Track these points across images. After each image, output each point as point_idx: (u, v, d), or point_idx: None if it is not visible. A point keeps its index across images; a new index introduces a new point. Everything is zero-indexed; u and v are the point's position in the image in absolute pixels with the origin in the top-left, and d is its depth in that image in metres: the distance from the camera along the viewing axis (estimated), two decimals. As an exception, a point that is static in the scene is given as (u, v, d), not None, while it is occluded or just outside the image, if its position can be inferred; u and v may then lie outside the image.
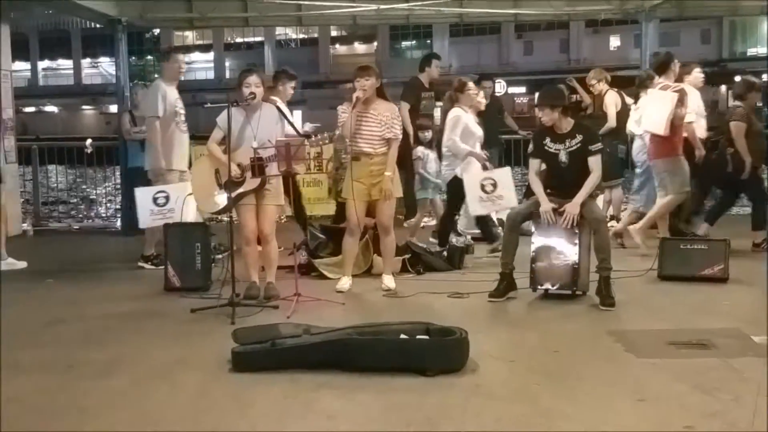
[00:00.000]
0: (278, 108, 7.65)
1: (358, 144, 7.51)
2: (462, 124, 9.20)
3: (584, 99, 11.11)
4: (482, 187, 8.96)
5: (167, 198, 8.55)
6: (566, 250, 7.21)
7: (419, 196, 10.13)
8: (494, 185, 8.95)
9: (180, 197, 8.42)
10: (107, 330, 6.53)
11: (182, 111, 9.15)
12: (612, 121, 10.55)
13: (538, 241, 7.32)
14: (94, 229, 11.38)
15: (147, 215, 8.60)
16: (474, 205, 9.11)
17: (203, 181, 7.52)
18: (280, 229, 7.59)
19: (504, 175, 9.23)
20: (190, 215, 8.54)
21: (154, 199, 8.57)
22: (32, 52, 66.13)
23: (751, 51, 55.13)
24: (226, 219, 8.53)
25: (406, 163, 9.49)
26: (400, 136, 7.71)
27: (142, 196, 8.66)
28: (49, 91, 67.56)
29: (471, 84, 9.49)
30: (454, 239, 9.54)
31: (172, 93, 9.11)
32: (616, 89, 10.93)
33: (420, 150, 10.04)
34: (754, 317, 6.64)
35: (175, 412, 4.64)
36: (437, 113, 10.65)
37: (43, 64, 68.86)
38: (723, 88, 55.04)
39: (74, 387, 5.09)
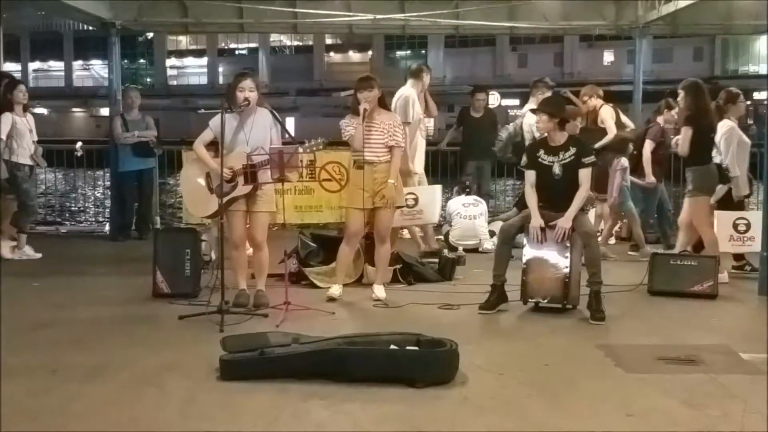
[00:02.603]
0: (272, 113, 7.63)
1: (362, 153, 7.52)
2: (737, 137, 9.04)
3: (580, 111, 11.14)
4: (735, 226, 8.89)
5: (416, 199, 9.21)
6: (557, 264, 7.21)
7: (624, 207, 10.17)
8: (747, 226, 8.89)
9: (429, 199, 9.18)
10: (94, 335, 6.50)
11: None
12: (613, 132, 10.63)
13: (529, 254, 7.32)
14: (82, 233, 11.34)
15: (397, 216, 8.95)
16: (723, 244, 8.83)
17: (193, 186, 7.48)
18: (271, 236, 7.55)
19: (754, 216, 9.00)
20: (436, 216, 9.30)
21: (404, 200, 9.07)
22: (23, 53, 65.94)
23: (743, 69, 55.45)
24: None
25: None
26: (403, 145, 7.76)
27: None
28: (39, 93, 67.26)
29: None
30: (446, 251, 9.56)
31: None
32: (610, 105, 10.97)
33: (625, 161, 10.09)
34: (742, 334, 6.70)
35: (162, 419, 4.62)
36: (431, 123, 10.69)
37: (34, 66, 68.69)
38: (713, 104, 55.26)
39: (60, 391, 5.06)
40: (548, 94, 10.35)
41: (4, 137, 9.51)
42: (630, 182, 10.28)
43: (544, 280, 7.24)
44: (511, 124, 10.28)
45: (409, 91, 9.65)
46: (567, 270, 7.16)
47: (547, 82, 10.75)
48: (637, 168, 10.32)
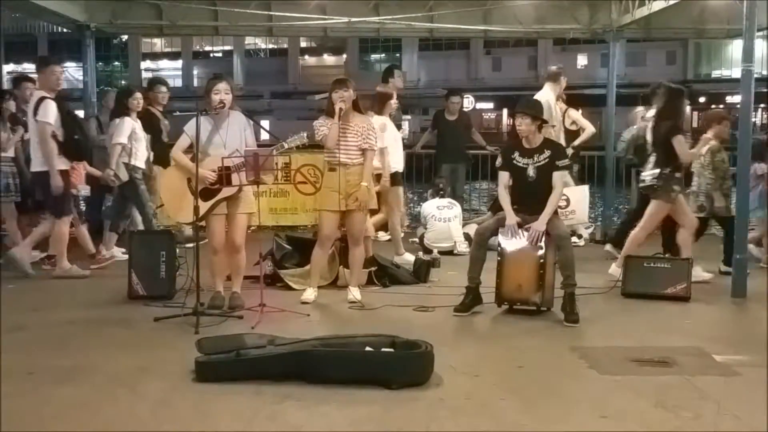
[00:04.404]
0: (244, 114, 7.61)
1: (336, 155, 7.52)
2: None
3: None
4: None
5: (567, 200, 9.36)
6: (531, 266, 7.23)
7: (756, 215, 9.78)
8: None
9: (579, 198, 9.48)
10: (69, 337, 6.47)
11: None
12: (590, 127, 10.70)
13: (503, 256, 7.34)
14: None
15: None
16: None
17: (174, 191, 7.41)
18: (247, 238, 7.53)
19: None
20: (587, 215, 9.63)
21: None
22: (-3, 55, 65.47)
23: (716, 73, 55.92)
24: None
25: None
26: (376, 148, 7.76)
27: None
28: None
29: None
30: (420, 253, 9.57)
31: None
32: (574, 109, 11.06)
33: (763, 166, 9.74)
34: (715, 336, 6.75)
35: (136, 421, 4.61)
36: (405, 126, 10.70)
37: (8, 68, 67.84)
38: (687, 108, 55.75)
39: (35, 393, 5.04)
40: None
41: (125, 141, 9.69)
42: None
43: (519, 282, 7.27)
44: (635, 126, 10.16)
45: (549, 95, 9.61)
46: (541, 272, 7.19)
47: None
48: None
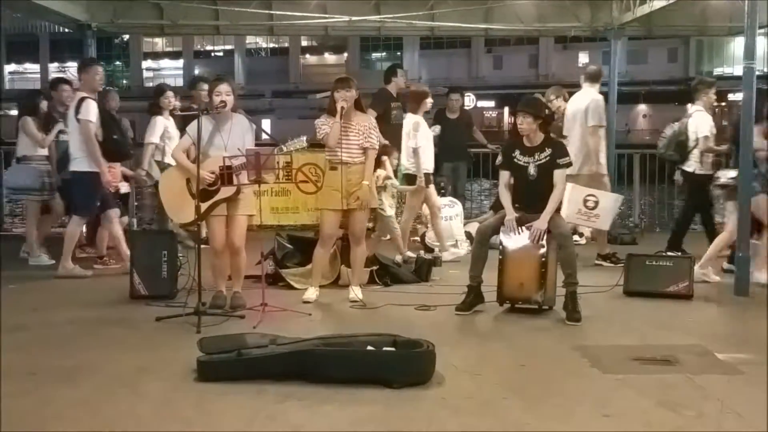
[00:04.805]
0: (248, 118, 7.60)
1: (337, 154, 7.51)
2: None
3: (557, 112, 11.15)
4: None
5: (596, 202, 9.20)
6: (533, 265, 7.22)
7: None
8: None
9: (608, 205, 9.28)
10: (70, 337, 6.46)
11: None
12: None
13: (505, 254, 7.33)
14: (58, 235, 11.23)
15: (573, 213, 9.00)
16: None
17: (174, 192, 7.41)
18: (248, 238, 7.52)
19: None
20: (609, 223, 9.42)
21: (584, 201, 9.13)
22: (-1, 56, 65.54)
23: (717, 70, 55.87)
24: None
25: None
26: (377, 146, 7.76)
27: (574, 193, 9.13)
28: (15, 95, 66.73)
29: None
30: (422, 252, 9.56)
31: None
32: None
33: None
34: (718, 334, 6.74)
35: (138, 421, 4.60)
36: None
37: (9, 68, 68.24)
38: (689, 105, 55.76)
39: (36, 393, 5.03)
40: (713, 91, 9.96)
41: (157, 140, 9.86)
42: None
43: (521, 280, 7.26)
44: (677, 122, 10.15)
45: (597, 95, 9.68)
46: (543, 271, 7.18)
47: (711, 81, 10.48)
48: None
